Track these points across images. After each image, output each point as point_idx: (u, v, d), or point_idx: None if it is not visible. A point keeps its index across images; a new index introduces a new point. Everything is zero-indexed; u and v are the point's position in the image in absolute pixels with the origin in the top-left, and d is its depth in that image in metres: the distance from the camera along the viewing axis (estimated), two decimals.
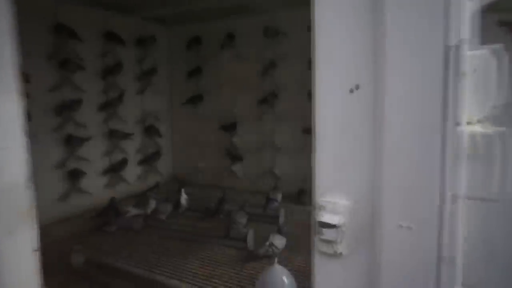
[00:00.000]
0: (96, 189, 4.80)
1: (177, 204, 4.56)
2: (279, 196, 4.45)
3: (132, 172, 5.35)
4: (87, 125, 4.59)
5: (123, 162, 5.08)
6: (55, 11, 4.16)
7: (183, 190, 4.63)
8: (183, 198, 4.58)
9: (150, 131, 5.54)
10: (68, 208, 4.44)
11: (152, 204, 4.39)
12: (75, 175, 4.47)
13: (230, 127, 5.45)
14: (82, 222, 4.23)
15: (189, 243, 3.69)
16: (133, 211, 4.00)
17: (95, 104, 4.78)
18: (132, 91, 5.31)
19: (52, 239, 3.80)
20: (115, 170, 5.00)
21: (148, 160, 5.55)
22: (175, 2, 4.56)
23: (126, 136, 5.11)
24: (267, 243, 3.34)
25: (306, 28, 1.00)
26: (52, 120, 4.26)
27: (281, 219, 4.22)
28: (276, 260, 2.47)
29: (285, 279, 2.39)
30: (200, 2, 4.54)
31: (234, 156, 5.42)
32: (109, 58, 4.87)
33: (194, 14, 5.26)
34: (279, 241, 3.39)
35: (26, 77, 3.82)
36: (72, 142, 4.39)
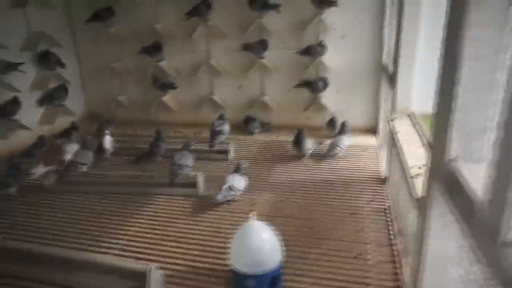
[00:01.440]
0: None
1: (99, 149, 3.61)
2: (226, 127, 3.75)
3: (31, 114, 4.11)
4: None
5: (14, 103, 3.80)
6: None
7: (106, 131, 3.67)
8: (107, 140, 3.63)
9: (47, 59, 4.21)
10: None
11: (68, 153, 3.39)
12: None
13: (154, 49, 4.36)
14: None
15: (124, 199, 2.91)
16: (39, 170, 2.98)
17: None
18: (6, 2, 3.82)
19: None
20: (4, 114, 3.74)
21: (52, 97, 4.29)
22: None
23: (12, 66, 3.77)
24: (225, 186, 2.72)
25: None
26: None
27: (231, 154, 3.62)
28: (253, 214, 1.86)
29: (267, 237, 1.83)
30: None
31: (164, 85, 4.44)
32: None
33: None
34: (239, 182, 2.80)
35: None
36: None
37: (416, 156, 2.06)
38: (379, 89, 3.98)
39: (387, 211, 2.60)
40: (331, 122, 3.99)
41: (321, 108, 4.22)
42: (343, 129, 3.60)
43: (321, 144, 3.68)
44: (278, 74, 4.26)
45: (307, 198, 2.84)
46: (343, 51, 4.04)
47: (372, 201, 2.74)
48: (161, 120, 4.69)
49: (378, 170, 3.24)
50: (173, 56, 4.50)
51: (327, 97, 4.20)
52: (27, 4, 3.95)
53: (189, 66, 4.48)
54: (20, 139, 3.90)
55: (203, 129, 4.35)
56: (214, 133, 3.63)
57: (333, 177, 3.17)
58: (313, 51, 3.96)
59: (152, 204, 2.83)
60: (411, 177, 1.85)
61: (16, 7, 3.92)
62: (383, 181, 3.04)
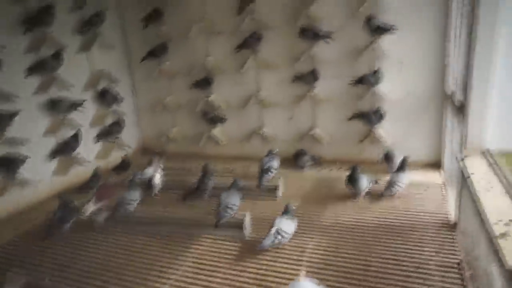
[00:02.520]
0: (43, 177, 3.78)
1: (149, 184, 3.64)
2: (275, 163, 3.60)
3: (88, 150, 4.30)
4: (14, 95, 3.44)
5: (75, 140, 4.00)
6: None
7: (158, 165, 3.70)
8: (157, 176, 3.65)
9: (106, 96, 4.43)
10: (6, 207, 3.44)
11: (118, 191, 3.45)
12: (10, 163, 3.41)
13: (204, 83, 4.43)
14: (27, 224, 3.27)
15: (169, 239, 2.84)
16: (90, 207, 3.04)
17: (20, 67, 3.58)
18: (73, 47, 4.11)
19: None
20: (65, 150, 3.95)
21: (108, 132, 4.49)
22: None
23: (75, 105, 4.01)
24: (273, 230, 2.54)
25: None
26: None
27: (280, 191, 3.44)
28: (303, 273, 1.66)
29: None
30: None
31: (213, 118, 4.46)
32: (31, 1, 3.61)
33: None
34: (287, 226, 2.61)
35: None
36: None
37: (498, 207, 1.73)
38: (442, 119, 3.61)
39: (460, 266, 2.23)
40: (388, 157, 3.67)
41: (377, 141, 3.92)
42: (402, 166, 3.27)
43: (377, 182, 3.37)
44: (330, 105, 4.07)
45: (362, 245, 2.54)
46: (401, 79, 3.76)
47: (440, 252, 2.38)
48: (210, 154, 4.69)
49: (445, 214, 2.85)
50: (223, 90, 4.52)
51: (384, 129, 3.90)
52: (92, 46, 4.23)
53: (239, 99, 4.47)
54: (79, 174, 4.07)
55: (252, 163, 4.25)
56: (263, 172, 3.48)
57: (392, 220, 2.85)
58: (367, 80, 3.73)
59: (198, 246, 2.72)
60: (496, 237, 1.53)
61: (82, 50, 4.21)
62: (452, 227, 2.66)
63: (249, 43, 4.10)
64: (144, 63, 4.61)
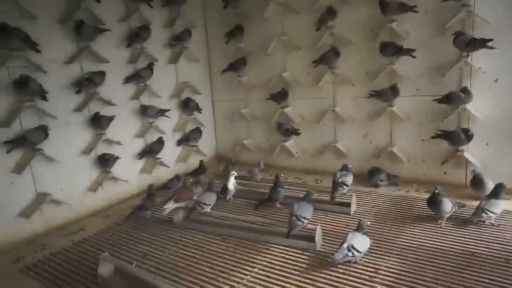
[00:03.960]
0: (131, 175, 4.17)
1: (223, 189, 3.81)
2: (349, 179, 3.51)
3: (170, 153, 4.65)
4: (113, 101, 3.87)
5: (160, 143, 4.38)
6: None
7: (233, 173, 3.85)
8: (231, 183, 3.80)
9: (188, 105, 4.77)
10: (100, 200, 3.85)
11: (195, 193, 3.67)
12: (106, 161, 3.83)
13: (280, 96, 4.53)
14: (117, 215, 3.63)
15: (241, 243, 2.92)
16: (170, 206, 3.26)
17: (120, 76, 4.04)
18: (163, 60, 4.52)
19: (83, 237, 3.24)
20: (151, 152, 4.32)
21: (188, 139, 4.82)
22: None
23: (162, 112, 4.37)
24: (345, 245, 2.47)
25: None
26: (72, 98, 3.58)
27: (353, 208, 3.34)
28: None
29: None
30: None
31: (287, 130, 4.52)
32: (133, 21, 4.08)
33: None
34: (361, 243, 2.51)
35: (34, 45, 3.16)
36: (101, 122, 3.72)
37: None
38: None
39: None
40: (476, 181, 3.34)
41: (463, 162, 3.61)
42: (496, 192, 2.95)
43: (463, 206, 3.09)
44: (409, 122, 3.87)
45: (444, 273, 2.34)
46: (496, 98, 3.43)
47: None
48: (283, 165, 4.75)
49: None
50: (298, 103, 4.57)
51: (473, 151, 3.58)
52: (179, 59, 4.62)
53: (314, 113, 4.47)
54: (160, 174, 4.41)
55: (324, 177, 4.22)
56: (336, 185, 3.42)
57: (481, 250, 2.57)
58: (455, 98, 3.48)
59: (268, 253, 2.75)
60: None
61: (170, 62, 4.61)
62: None
63: (327, 58, 4.11)
64: (223, 76, 4.89)
